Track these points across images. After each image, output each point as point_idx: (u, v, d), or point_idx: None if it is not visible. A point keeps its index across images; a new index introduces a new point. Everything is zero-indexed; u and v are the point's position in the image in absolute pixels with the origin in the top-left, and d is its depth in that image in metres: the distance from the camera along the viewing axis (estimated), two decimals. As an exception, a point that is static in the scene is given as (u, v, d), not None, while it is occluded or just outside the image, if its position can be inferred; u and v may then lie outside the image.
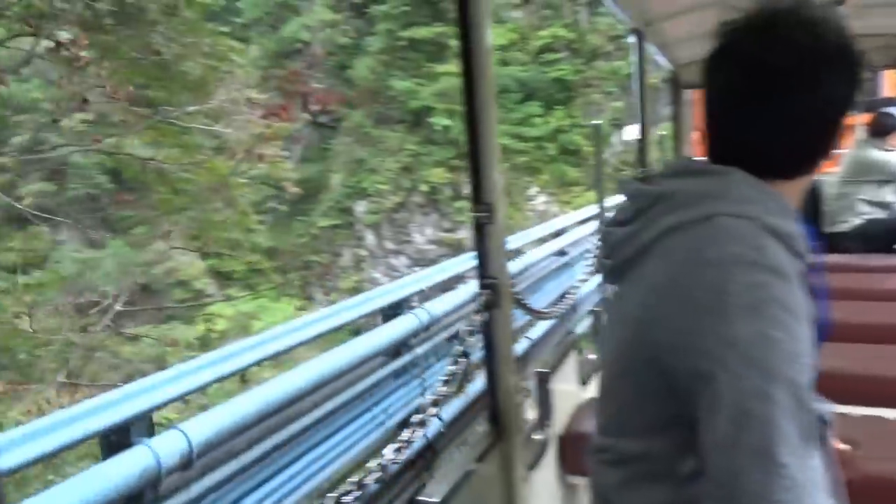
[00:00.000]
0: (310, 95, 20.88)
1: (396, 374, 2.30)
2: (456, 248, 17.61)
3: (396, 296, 2.59)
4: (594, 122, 3.61)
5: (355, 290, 19.37)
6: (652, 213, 0.93)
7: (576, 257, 4.23)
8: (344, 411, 1.93)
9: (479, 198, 2.00)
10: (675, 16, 3.91)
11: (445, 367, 2.39)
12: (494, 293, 2.06)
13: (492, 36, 2.09)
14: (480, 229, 2.02)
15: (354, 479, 1.49)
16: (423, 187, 17.99)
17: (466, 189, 15.06)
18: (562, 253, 3.96)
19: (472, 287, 2.63)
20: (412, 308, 2.43)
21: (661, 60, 5.03)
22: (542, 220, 15.24)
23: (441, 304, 2.49)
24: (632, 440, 0.94)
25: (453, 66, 17.46)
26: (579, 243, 4.49)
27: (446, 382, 1.90)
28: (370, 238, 19.53)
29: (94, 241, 18.86)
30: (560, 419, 2.72)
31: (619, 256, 0.97)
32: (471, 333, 2.00)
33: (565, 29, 17.67)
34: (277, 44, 20.81)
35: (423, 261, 18.59)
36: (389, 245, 19.26)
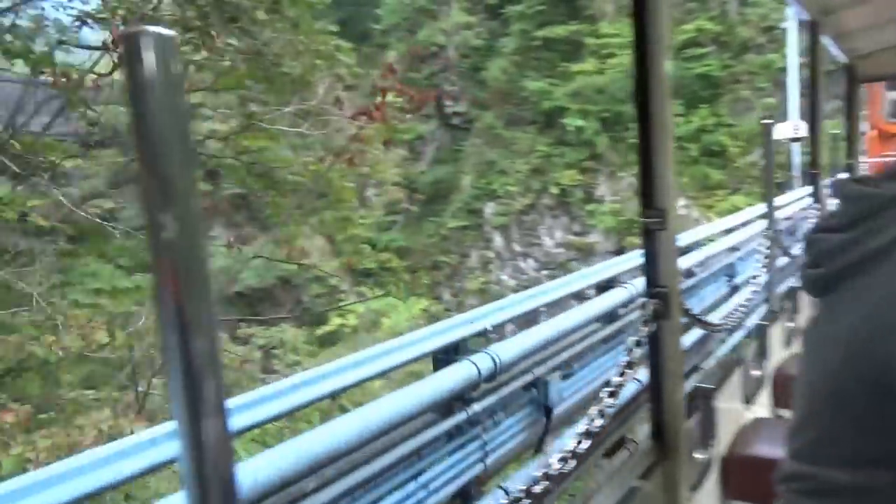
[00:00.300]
0: (441, 97, 21.31)
1: (449, 435, 1.85)
2: (587, 253, 17.22)
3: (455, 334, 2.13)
4: (765, 121, 3.34)
5: (481, 292, 19.51)
6: (882, 219, 0.83)
7: (724, 267, 3.92)
8: (371, 485, 1.57)
9: (651, 202, 1.90)
10: (859, 3, 3.54)
11: (514, 422, 2.12)
12: (664, 303, 1.95)
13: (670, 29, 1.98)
14: (650, 235, 1.93)
15: (522, 486, 1.47)
16: (554, 189, 17.75)
17: (599, 191, 14.49)
18: (696, 263, 3.69)
19: (579, 313, 2.42)
20: (471, 352, 1.97)
21: (835, 52, 4.59)
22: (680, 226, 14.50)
23: (514, 346, 2.04)
24: (841, 470, 0.84)
25: (589, 64, 17.12)
26: (739, 248, 4.17)
27: (612, 394, 1.83)
28: (498, 240, 19.58)
29: (243, 238, 20.46)
30: (723, 439, 2.54)
31: (832, 266, 0.87)
32: (637, 344, 1.91)
33: (711, 21, 16.67)
34: (413, 48, 21.44)
35: (551, 264, 18.36)
36: (517, 247, 19.20)
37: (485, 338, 2.04)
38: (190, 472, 0.54)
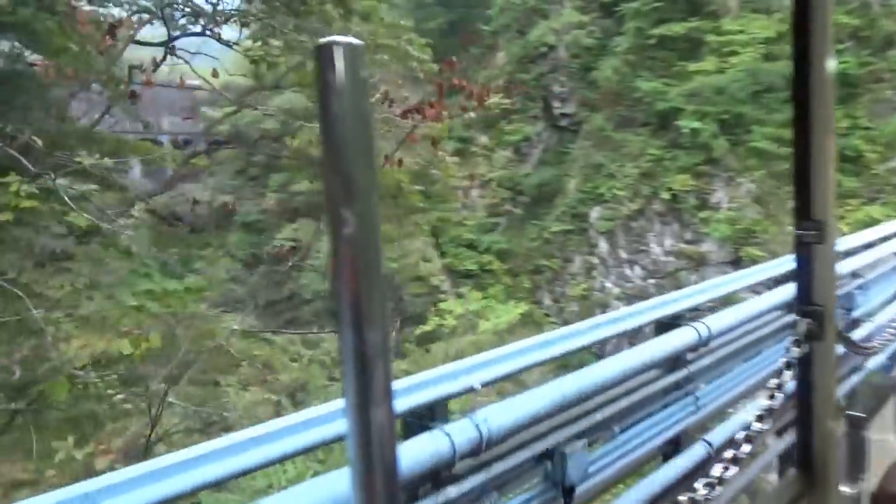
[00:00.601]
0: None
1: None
2: (698, 263, 16.41)
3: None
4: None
5: (583, 298, 19.07)
6: None
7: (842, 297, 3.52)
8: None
9: (807, 213, 1.73)
10: None
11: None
12: (818, 323, 1.77)
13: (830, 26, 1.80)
14: (805, 249, 1.76)
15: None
16: (665, 195, 17.02)
17: (715, 198, 13.56)
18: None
19: (621, 361, 2.10)
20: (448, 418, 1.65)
21: None
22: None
23: (510, 410, 1.67)
24: None
25: (709, 63, 16.29)
26: (881, 265, 3.76)
27: (760, 418, 1.68)
28: (603, 245, 19.07)
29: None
30: (875, 473, 2.30)
31: None
32: (788, 366, 1.74)
33: (849, 15, 15.37)
34: (523, 48, 21.28)
35: (659, 273, 17.64)
36: (623, 254, 18.61)
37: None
38: (357, 452, 0.57)
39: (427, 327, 19.25)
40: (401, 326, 22.02)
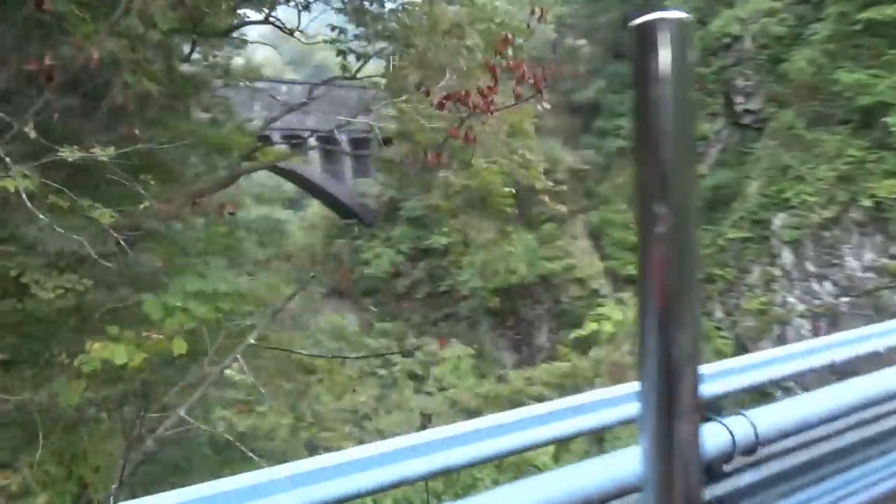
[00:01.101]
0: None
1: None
2: (905, 281, 14.15)
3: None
4: None
5: (761, 313, 17.31)
6: None
7: None
8: None
9: None
10: None
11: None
12: None
13: None
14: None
15: None
16: (866, 202, 14.89)
17: (932, 208, 11.38)
18: None
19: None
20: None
21: None
22: None
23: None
24: None
25: (931, 50, 13.88)
26: None
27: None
28: (787, 256, 17.17)
29: (506, 234, 21.08)
30: None
31: None
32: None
33: None
34: (702, 40, 19.75)
35: (854, 290, 15.50)
36: (811, 267, 16.60)
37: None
38: (654, 470, 0.53)
39: (583, 331, 18.67)
40: (556, 328, 21.59)
